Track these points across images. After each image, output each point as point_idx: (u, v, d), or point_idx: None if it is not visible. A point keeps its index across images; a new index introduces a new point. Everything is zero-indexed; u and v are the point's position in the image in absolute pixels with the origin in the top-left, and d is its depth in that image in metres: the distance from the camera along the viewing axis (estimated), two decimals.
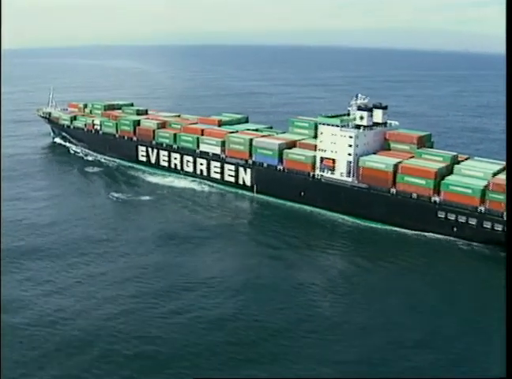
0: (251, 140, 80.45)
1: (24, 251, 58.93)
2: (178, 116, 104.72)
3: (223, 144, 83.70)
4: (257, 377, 38.64)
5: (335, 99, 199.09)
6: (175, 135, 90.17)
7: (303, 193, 75.45)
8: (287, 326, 44.70)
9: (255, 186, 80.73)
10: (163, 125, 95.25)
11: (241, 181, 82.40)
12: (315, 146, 75.41)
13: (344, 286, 52.90)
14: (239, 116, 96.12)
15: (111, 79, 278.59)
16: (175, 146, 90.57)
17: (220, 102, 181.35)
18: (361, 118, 73.40)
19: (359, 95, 77.12)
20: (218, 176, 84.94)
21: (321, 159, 73.52)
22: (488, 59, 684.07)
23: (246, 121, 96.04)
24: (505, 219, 58.73)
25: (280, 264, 57.35)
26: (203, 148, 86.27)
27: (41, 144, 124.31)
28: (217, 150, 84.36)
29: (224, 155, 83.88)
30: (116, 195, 79.83)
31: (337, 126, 71.86)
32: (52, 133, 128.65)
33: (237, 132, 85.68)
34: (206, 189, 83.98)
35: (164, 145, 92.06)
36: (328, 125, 72.68)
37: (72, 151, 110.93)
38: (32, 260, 56.77)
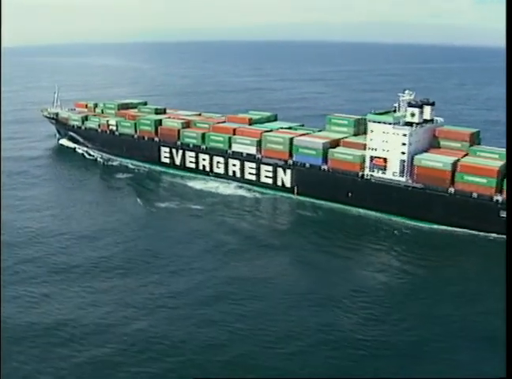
0: (291, 139, 75.79)
1: (88, 268, 53.51)
2: (199, 115, 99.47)
3: (259, 143, 78.83)
4: (258, 377, 37.19)
5: (339, 93, 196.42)
6: (203, 135, 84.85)
7: (350, 194, 71.23)
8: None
9: (296, 188, 76.14)
10: (187, 124, 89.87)
11: (279, 183, 77.69)
12: (363, 145, 71.36)
13: (423, 296, 49.13)
14: (268, 114, 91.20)
15: (103, 77, 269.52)
16: (203, 146, 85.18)
17: (225, 98, 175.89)
18: (412, 114, 69.41)
19: (407, 91, 73.20)
20: (253, 177, 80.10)
21: (371, 158, 69.39)
22: (467, 51, 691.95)
23: (275, 119, 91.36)
24: None
25: (348, 274, 53.58)
26: (236, 148, 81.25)
27: (46, 145, 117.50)
28: (252, 150, 79.44)
29: (260, 156, 79.04)
30: (163, 205, 73.02)
31: (390, 124, 67.79)
32: (58, 135, 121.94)
33: (271, 131, 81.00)
34: (253, 194, 77.28)
35: (191, 146, 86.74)
36: (379, 122, 68.47)
37: (85, 154, 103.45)
38: (97, 278, 51.35)
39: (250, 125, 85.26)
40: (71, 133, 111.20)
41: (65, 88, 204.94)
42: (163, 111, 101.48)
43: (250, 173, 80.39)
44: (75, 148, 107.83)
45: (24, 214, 69.74)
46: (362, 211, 70.16)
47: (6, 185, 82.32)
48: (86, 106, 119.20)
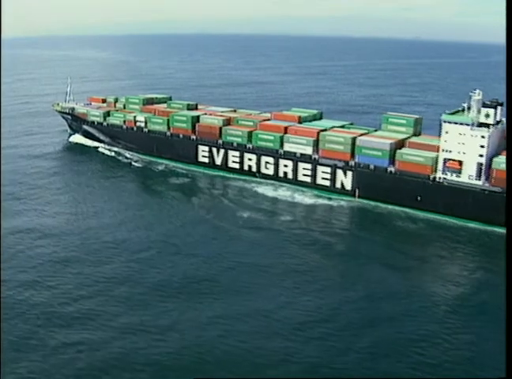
0: (354, 139, 71.13)
1: (177, 288, 47.15)
2: (235, 111, 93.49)
3: (315, 143, 73.86)
4: (258, 377, 35.78)
5: (349, 89, 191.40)
6: (249, 133, 79.14)
7: (419, 198, 66.98)
8: None
9: (357, 190, 71.41)
10: (228, 121, 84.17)
11: (338, 185, 72.76)
12: (433, 146, 67.17)
13: None
14: (314, 111, 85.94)
15: (94, 70, 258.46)
16: (249, 146, 79.60)
17: (235, 92, 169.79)
18: (487, 115, 65.60)
19: (477, 91, 69.27)
20: (308, 179, 74.91)
21: (445, 160, 65.45)
22: (440, 46, 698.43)
23: (321, 117, 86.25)
24: None
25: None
26: (288, 147, 75.78)
27: (57, 142, 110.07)
28: (308, 150, 74.20)
29: (316, 156, 74.11)
30: (245, 215, 65.36)
31: (468, 125, 63.78)
32: (70, 130, 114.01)
33: (326, 130, 75.92)
34: (332, 202, 70.59)
35: (235, 145, 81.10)
36: (455, 123, 64.31)
37: (107, 153, 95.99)
38: (179, 298, 45.16)
39: (299, 123, 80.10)
40: (90, 130, 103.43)
41: (57, 82, 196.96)
42: (195, 107, 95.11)
43: (304, 174, 75.12)
44: (97, 147, 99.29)
45: (81, 222, 62.70)
46: (431, 215, 66.20)
47: (43, 186, 76.15)
48: (103, 100, 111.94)
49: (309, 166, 74.66)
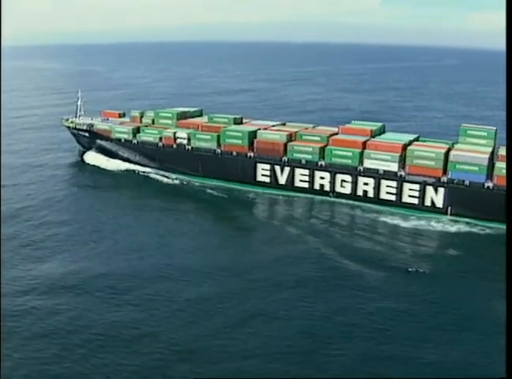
0: (446, 154, 66.91)
1: None
2: (284, 124, 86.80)
3: (401, 159, 69.09)
4: (258, 378, 34.75)
5: (335, 95, 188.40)
6: (321, 149, 73.15)
7: None
8: None
9: (449, 208, 67.14)
10: (291, 136, 77.52)
11: (428, 203, 68.06)
12: None
13: None
14: (378, 124, 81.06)
15: (64, 81, 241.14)
16: (321, 163, 73.56)
17: (230, 101, 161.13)
18: None
19: None
20: (392, 198, 69.61)
21: None
22: (387, 50, 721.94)
23: (384, 130, 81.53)
24: None
25: None
26: (369, 164, 70.37)
27: (69, 160, 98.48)
28: (393, 166, 69.01)
29: (403, 173, 69.22)
30: (361, 245, 58.10)
31: None
32: (81, 147, 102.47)
33: (410, 144, 71.04)
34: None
35: (304, 162, 74.59)
36: None
37: (142, 173, 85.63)
38: None
39: (372, 137, 74.93)
40: (112, 148, 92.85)
41: (24, 94, 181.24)
42: (241, 121, 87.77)
43: (388, 192, 70.06)
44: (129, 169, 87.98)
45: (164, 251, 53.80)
46: None
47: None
48: (120, 115, 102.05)
49: (394, 183, 69.46)
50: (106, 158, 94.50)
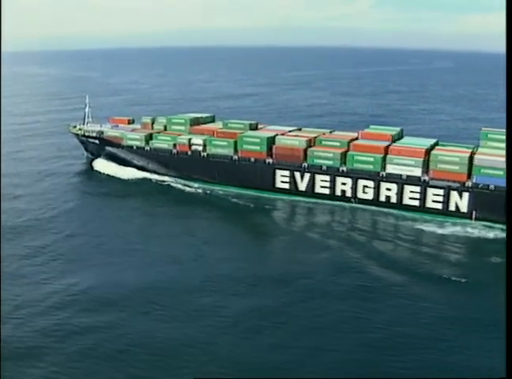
0: (471, 158, 66.47)
1: None
2: (300, 129, 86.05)
3: (425, 163, 68.52)
4: (259, 378, 34.60)
5: (339, 99, 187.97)
6: (343, 155, 72.38)
7: None
8: None
9: (474, 212, 66.65)
10: (310, 142, 76.71)
11: (452, 208, 67.54)
12: None
13: None
14: (397, 129, 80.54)
15: (62, 87, 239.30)
16: (342, 169, 72.76)
17: (236, 106, 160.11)
18: None
19: None
20: (416, 203, 68.92)
21: None
22: (375, 53, 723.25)
23: (402, 135, 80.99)
24: None
25: None
26: (392, 169, 69.65)
27: (79, 167, 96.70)
28: (416, 171, 68.40)
29: (426, 178, 68.67)
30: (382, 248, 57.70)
31: None
32: (89, 155, 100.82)
33: (433, 149, 70.41)
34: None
35: (324, 168, 73.79)
36: None
37: (157, 181, 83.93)
38: None
39: (393, 142, 74.34)
40: (124, 155, 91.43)
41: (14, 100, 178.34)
42: (256, 126, 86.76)
43: (411, 198, 69.43)
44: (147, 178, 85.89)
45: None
46: None
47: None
48: (129, 121, 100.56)
49: (417, 188, 68.87)
50: (116, 165, 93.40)
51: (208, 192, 79.22)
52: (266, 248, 60.26)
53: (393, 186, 70.04)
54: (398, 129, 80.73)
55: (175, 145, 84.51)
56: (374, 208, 70.75)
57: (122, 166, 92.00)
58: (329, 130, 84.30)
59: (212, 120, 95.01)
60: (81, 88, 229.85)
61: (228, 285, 47.93)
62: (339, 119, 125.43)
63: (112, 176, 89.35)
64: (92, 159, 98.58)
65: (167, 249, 56.37)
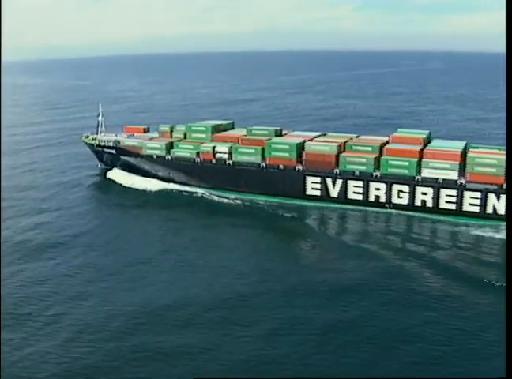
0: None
1: None
2: (325, 134, 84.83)
3: (461, 167, 67.75)
4: (258, 378, 35.10)
5: (345, 102, 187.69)
6: (376, 160, 71.30)
7: None
8: None
9: None
10: (341, 148, 75.62)
11: (490, 211, 66.78)
12: None
13: None
14: (426, 132, 79.68)
15: (59, 96, 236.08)
16: (376, 174, 71.66)
17: (243, 111, 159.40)
18: None
19: None
20: (452, 207, 68.13)
21: None
22: (361, 55, 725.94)
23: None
24: None
25: None
26: (428, 173, 68.78)
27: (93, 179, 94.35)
28: (452, 175, 67.53)
29: (463, 181, 67.90)
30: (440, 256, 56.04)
31: None
32: (103, 165, 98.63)
33: (469, 152, 69.74)
34: None
35: (357, 173, 72.70)
36: None
37: (181, 192, 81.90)
38: None
39: (425, 145, 73.56)
40: (142, 165, 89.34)
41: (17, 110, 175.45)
42: (280, 132, 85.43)
43: (447, 201, 68.62)
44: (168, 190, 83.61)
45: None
46: None
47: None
48: (145, 130, 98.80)
49: (454, 192, 68.13)
50: (133, 175, 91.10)
51: (234, 200, 77.67)
52: (324, 257, 57.82)
53: (429, 190, 69.14)
54: (427, 132, 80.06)
55: (198, 153, 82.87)
56: (409, 213, 69.98)
57: (139, 177, 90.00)
58: (355, 135, 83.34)
59: (232, 127, 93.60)
60: (78, 97, 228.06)
61: (306, 298, 46.28)
62: (352, 122, 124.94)
63: (130, 187, 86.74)
64: (107, 170, 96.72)
65: (227, 263, 54.44)
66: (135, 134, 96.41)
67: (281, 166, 76.67)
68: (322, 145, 75.74)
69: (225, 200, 77.98)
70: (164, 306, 44.61)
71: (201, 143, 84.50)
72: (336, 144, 75.04)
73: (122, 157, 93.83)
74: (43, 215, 70.72)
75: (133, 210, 76.06)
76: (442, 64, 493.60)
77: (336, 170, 73.44)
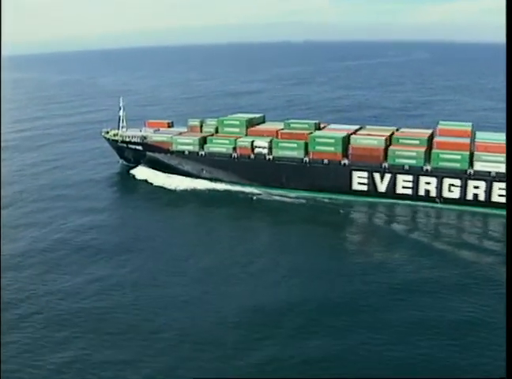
0: None
1: None
2: (361, 128, 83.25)
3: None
4: (258, 377, 35.64)
5: (351, 93, 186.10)
6: (427, 153, 70.18)
7: None
8: None
9: None
10: (387, 141, 74.13)
11: None
12: None
13: None
14: (469, 123, 78.56)
15: (59, 92, 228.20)
16: (426, 168, 70.50)
17: (250, 104, 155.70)
18: None
19: None
20: (504, 200, 67.92)
21: None
22: (344, 47, 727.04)
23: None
24: None
25: None
26: (480, 166, 68.05)
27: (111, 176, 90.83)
28: (504, 168, 67.28)
29: None
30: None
31: None
32: (125, 162, 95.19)
33: None
34: None
35: (407, 167, 71.32)
36: None
37: (216, 188, 79.35)
38: None
39: (472, 138, 72.65)
40: (172, 161, 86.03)
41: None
42: (319, 126, 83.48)
43: (500, 195, 67.94)
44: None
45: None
46: None
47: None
48: (169, 125, 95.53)
49: (505, 185, 67.95)
50: (162, 173, 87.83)
51: (277, 197, 75.35)
52: (393, 256, 56.31)
53: (482, 184, 68.42)
54: (470, 124, 79.35)
55: (234, 149, 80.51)
56: (460, 207, 69.21)
57: (169, 174, 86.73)
58: (395, 128, 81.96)
59: (263, 120, 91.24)
60: (74, 91, 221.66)
61: (387, 299, 45.29)
62: (370, 114, 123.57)
63: (162, 187, 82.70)
64: (130, 167, 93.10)
65: (317, 265, 53.13)
66: (160, 129, 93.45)
67: (326, 161, 74.81)
68: (369, 139, 74.16)
69: (274, 198, 75.74)
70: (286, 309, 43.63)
71: (237, 137, 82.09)
72: (383, 138, 73.62)
73: (148, 153, 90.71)
74: (89, 216, 67.58)
75: (189, 211, 73.36)
76: (426, 54, 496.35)
77: (385, 164, 72.17)
